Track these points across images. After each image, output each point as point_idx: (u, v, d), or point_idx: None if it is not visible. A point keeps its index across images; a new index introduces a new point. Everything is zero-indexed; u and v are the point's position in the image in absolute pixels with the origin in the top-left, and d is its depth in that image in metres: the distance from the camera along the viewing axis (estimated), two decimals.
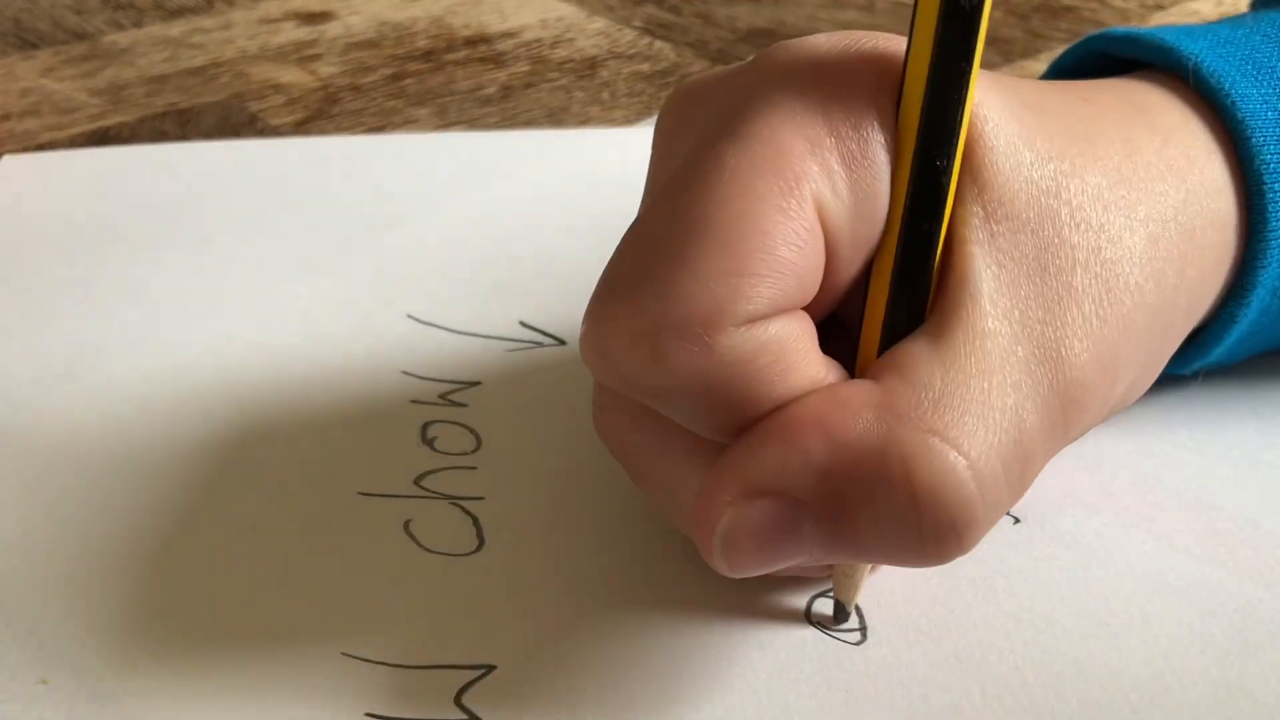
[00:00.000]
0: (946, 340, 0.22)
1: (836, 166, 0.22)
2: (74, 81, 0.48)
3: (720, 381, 0.22)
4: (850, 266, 0.23)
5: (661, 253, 0.22)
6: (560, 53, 0.51)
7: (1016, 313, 0.23)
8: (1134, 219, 0.25)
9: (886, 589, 0.26)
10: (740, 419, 0.22)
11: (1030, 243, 0.23)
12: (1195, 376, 0.30)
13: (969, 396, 0.22)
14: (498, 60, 0.51)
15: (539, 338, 0.34)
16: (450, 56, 0.51)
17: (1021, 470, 0.22)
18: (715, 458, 0.23)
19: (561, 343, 0.33)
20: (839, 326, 0.24)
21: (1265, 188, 0.27)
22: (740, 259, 0.21)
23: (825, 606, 0.26)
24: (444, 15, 0.55)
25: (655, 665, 0.25)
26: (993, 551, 0.27)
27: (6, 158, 0.42)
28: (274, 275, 0.36)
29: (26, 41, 0.52)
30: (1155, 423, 0.30)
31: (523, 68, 0.50)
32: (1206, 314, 0.28)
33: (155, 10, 0.55)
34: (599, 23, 0.54)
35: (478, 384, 0.32)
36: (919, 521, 0.21)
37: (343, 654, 0.25)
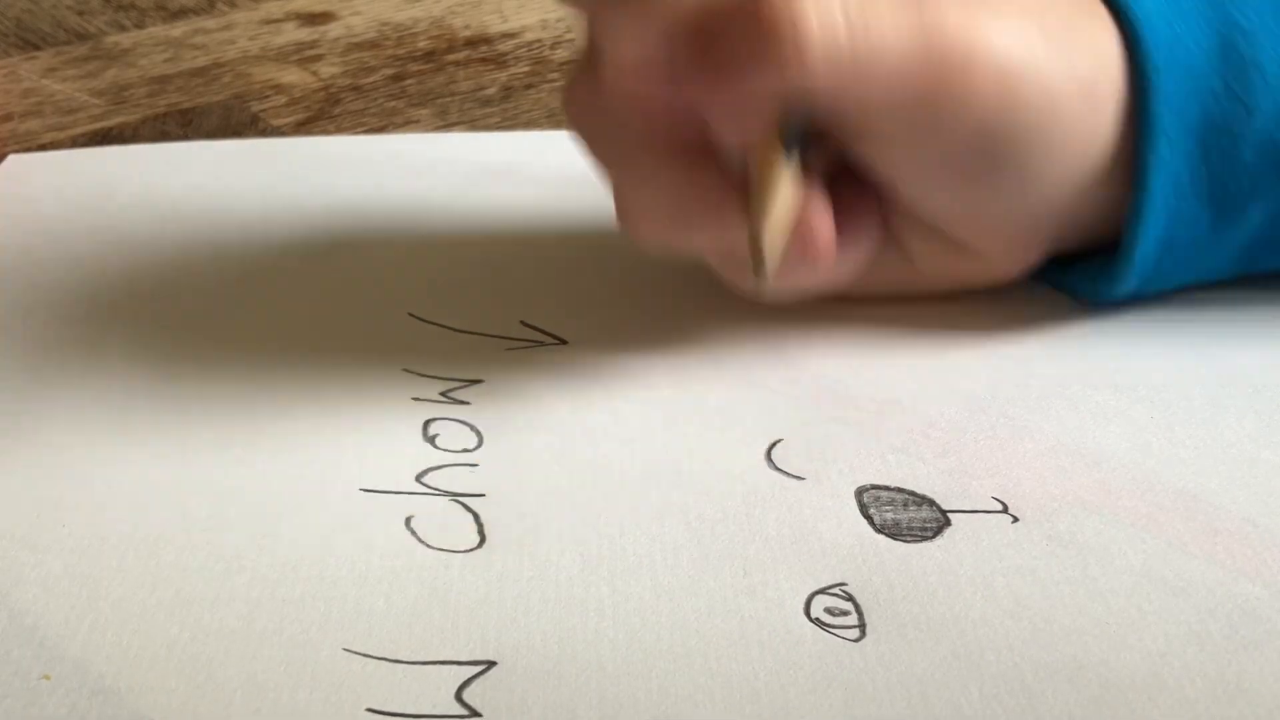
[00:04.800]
0: None
1: None
2: (76, 82, 0.49)
3: None
4: None
5: None
6: (561, 53, 0.51)
7: None
8: None
9: (885, 586, 0.26)
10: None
11: None
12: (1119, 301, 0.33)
13: None
14: (498, 61, 0.51)
15: (540, 337, 0.34)
16: (451, 57, 0.51)
17: (861, 8, 0.28)
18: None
19: (563, 342, 0.34)
20: None
21: (1150, 84, 0.30)
22: None
23: (825, 604, 0.26)
24: (445, 16, 0.55)
25: (655, 663, 0.25)
26: (991, 550, 0.27)
27: (9, 158, 0.43)
28: (276, 273, 0.36)
29: (29, 42, 0.52)
30: (1154, 421, 0.31)
31: (523, 68, 0.50)
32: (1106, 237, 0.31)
33: (157, 11, 0.55)
34: None
35: (479, 382, 0.32)
36: (759, 12, 0.27)
37: (344, 649, 0.25)
